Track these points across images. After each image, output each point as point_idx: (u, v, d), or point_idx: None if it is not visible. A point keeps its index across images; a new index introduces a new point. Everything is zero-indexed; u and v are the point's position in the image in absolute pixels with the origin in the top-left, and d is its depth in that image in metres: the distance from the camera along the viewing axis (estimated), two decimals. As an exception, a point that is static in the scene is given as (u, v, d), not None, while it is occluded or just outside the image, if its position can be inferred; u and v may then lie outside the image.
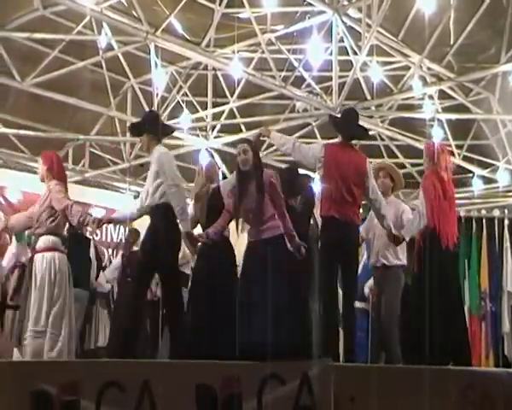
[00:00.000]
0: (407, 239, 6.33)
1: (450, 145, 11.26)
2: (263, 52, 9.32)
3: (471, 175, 12.01)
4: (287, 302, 5.17)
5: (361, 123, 6.82)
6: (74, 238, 8.97)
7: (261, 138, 6.72)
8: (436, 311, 6.06)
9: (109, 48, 9.57)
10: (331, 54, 8.96)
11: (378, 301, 7.10)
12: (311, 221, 6.76)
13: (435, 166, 6.45)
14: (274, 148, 10.93)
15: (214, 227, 5.64)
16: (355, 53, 8.85)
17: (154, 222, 5.90)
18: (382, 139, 11.75)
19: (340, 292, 6.36)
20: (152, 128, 6.01)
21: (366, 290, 11.68)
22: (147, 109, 6.97)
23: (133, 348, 5.75)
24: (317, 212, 6.38)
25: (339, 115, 6.66)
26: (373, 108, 10.02)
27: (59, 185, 6.26)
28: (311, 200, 6.50)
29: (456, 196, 12.68)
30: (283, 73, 9.38)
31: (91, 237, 9.73)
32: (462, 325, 6.46)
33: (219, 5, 9.10)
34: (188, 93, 10.87)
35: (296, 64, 9.36)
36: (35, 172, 11.05)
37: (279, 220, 5.37)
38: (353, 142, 6.54)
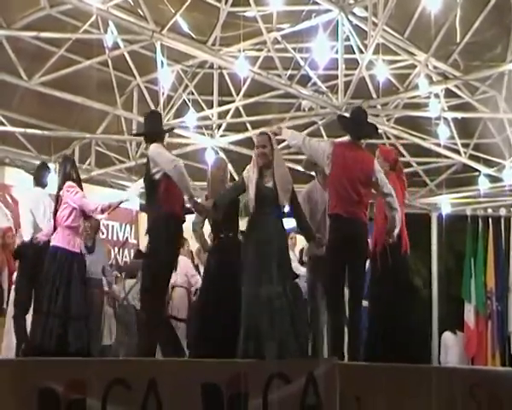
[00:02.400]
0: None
1: (456, 144, 11.26)
2: (269, 51, 9.32)
3: (477, 174, 11.99)
4: None
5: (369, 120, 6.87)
6: None
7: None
8: (395, 315, 6.29)
9: (115, 47, 9.57)
10: (337, 52, 8.95)
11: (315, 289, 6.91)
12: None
13: (397, 172, 6.62)
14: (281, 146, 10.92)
15: None
16: (361, 51, 8.84)
17: None
18: (388, 138, 11.74)
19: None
20: None
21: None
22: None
23: None
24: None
25: (347, 115, 6.66)
26: (379, 106, 10.01)
27: None
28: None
29: (463, 194, 12.86)
30: (289, 72, 9.37)
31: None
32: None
33: (225, 4, 9.11)
34: (194, 92, 10.87)
35: (302, 63, 9.35)
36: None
37: None
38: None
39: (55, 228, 7.04)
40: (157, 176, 6.01)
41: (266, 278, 5.69)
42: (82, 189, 7.18)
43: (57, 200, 7.06)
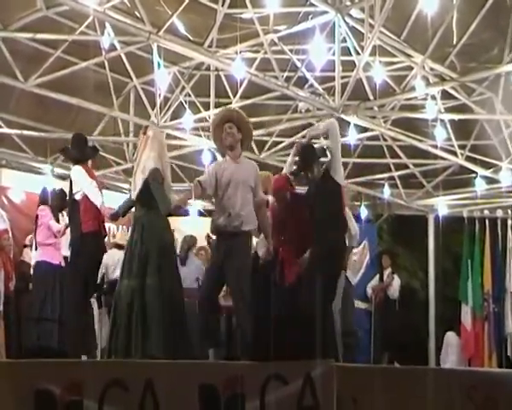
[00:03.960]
0: None
1: (452, 145, 11.26)
2: (265, 52, 9.32)
3: (474, 175, 12.00)
4: None
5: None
6: None
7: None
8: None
9: (112, 48, 9.57)
10: (334, 54, 8.95)
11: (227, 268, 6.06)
12: None
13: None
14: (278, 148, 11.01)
15: None
16: (358, 53, 8.83)
17: None
18: (385, 140, 11.74)
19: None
20: None
21: (369, 291, 11.71)
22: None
23: None
24: None
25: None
26: (376, 108, 10.01)
27: None
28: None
29: (460, 196, 12.88)
30: (286, 74, 9.37)
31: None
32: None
33: (222, 5, 9.08)
34: (190, 93, 10.85)
35: (299, 64, 9.35)
36: (38, 173, 11.14)
37: None
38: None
39: (36, 246, 8.40)
40: (77, 196, 6.76)
41: (126, 274, 6.05)
42: (58, 215, 8.53)
43: (35, 221, 8.51)
